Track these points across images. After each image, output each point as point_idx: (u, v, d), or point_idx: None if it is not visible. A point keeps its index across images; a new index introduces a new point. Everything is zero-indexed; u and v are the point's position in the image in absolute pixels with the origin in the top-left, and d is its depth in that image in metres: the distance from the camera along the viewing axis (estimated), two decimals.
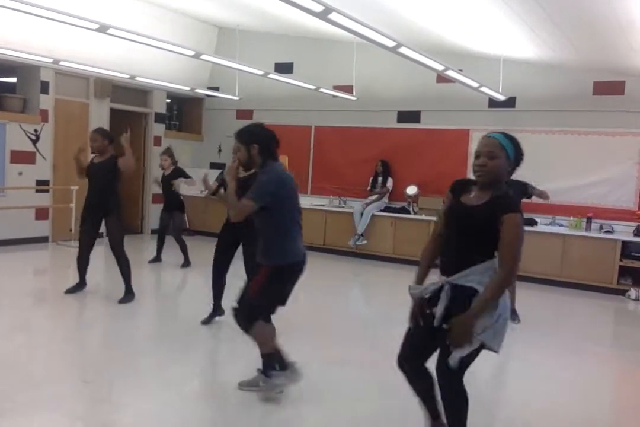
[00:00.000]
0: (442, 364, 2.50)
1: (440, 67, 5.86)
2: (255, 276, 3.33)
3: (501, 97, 7.74)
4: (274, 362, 3.37)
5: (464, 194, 2.63)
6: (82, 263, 5.56)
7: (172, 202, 7.50)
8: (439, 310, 2.50)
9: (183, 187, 7.81)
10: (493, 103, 8.28)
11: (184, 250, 7.49)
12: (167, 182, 7.44)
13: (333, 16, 4.01)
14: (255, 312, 3.31)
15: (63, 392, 3.43)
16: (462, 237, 2.52)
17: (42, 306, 5.60)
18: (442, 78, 7.97)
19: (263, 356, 3.39)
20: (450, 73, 6.11)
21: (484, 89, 7.17)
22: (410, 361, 2.77)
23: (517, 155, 2.53)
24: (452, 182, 2.74)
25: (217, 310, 4.94)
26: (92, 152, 5.60)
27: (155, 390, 3.54)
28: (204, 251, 8.07)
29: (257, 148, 3.30)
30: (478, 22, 6.30)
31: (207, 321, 4.91)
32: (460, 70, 6.56)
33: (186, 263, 7.46)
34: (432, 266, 2.69)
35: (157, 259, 7.57)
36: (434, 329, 2.52)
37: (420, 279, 2.67)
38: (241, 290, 3.41)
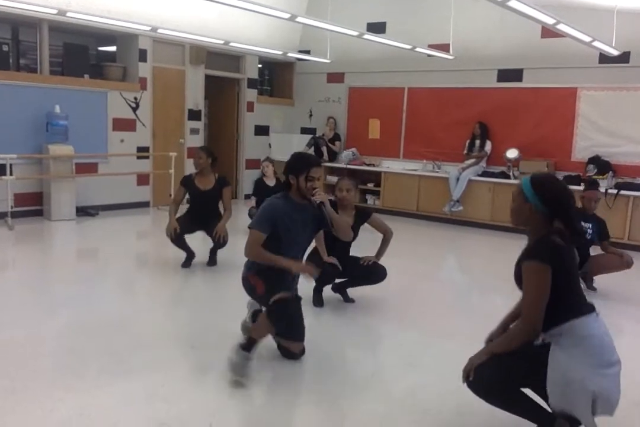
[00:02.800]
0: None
1: (550, 21, 5.42)
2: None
3: (614, 52, 7.12)
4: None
5: None
6: (180, 243, 5.48)
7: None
8: None
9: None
10: (604, 59, 7.65)
11: None
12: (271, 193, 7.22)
13: None
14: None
15: (174, 357, 3.55)
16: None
17: (145, 270, 5.84)
18: (547, 33, 7.44)
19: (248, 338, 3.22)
20: (561, 27, 5.64)
21: (596, 43, 6.61)
22: None
23: (542, 199, 2.41)
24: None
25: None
26: (196, 168, 5.53)
27: (255, 359, 3.58)
28: None
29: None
30: None
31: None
32: (572, 23, 6.06)
33: None
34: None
35: None
36: None
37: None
38: None
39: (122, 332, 3.86)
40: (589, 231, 5.18)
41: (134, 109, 8.60)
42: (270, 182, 7.08)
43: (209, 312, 4.41)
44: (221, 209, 5.61)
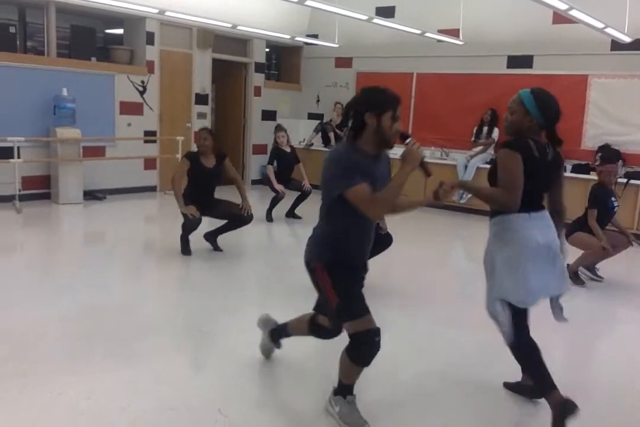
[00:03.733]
0: None
1: (563, 6, 5.34)
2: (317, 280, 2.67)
3: (627, 39, 7.03)
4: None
5: None
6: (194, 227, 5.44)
7: (290, 179, 7.43)
8: None
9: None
10: (616, 46, 7.55)
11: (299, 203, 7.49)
12: (291, 159, 7.38)
13: None
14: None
15: (181, 341, 3.57)
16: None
17: (152, 254, 5.85)
18: (558, 19, 7.35)
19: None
20: (574, 13, 5.56)
21: (608, 30, 6.51)
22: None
23: (542, 112, 2.68)
24: None
25: None
26: (201, 149, 5.44)
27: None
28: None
29: None
30: None
31: None
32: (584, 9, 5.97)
33: (294, 215, 7.51)
34: None
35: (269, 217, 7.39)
36: None
37: None
38: None
39: (129, 316, 3.88)
40: (615, 205, 5.15)
41: (141, 93, 8.57)
42: (286, 149, 7.37)
43: (216, 298, 4.42)
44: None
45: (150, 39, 8.50)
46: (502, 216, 2.75)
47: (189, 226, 5.32)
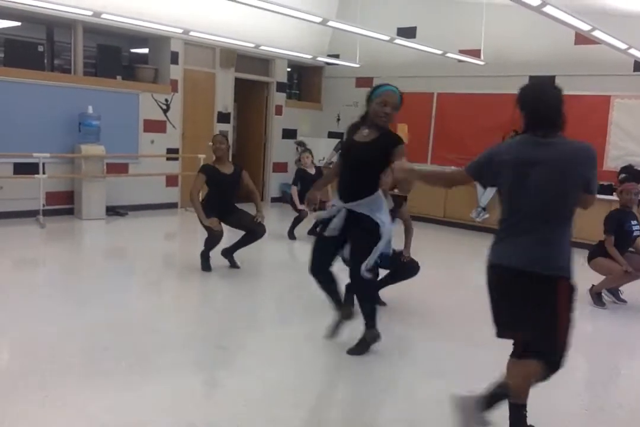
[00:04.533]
0: (353, 272, 3.48)
1: (586, 27, 5.36)
2: (555, 299, 2.34)
3: None
4: None
5: (356, 133, 3.56)
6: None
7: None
8: (334, 224, 3.48)
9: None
10: (639, 67, 7.53)
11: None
12: (311, 179, 7.12)
13: None
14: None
15: (201, 358, 3.57)
16: (355, 171, 3.48)
17: (172, 270, 5.88)
18: (580, 39, 7.36)
19: None
20: (597, 33, 5.57)
21: (631, 51, 6.50)
22: (321, 270, 3.66)
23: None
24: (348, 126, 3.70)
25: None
26: (217, 154, 5.46)
27: (283, 360, 3.58)
28: None
29: None
30: None
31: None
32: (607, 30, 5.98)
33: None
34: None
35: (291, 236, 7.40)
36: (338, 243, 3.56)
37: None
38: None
39: (149, 331, 3.89)
40: (635, 228, 5.01)
41: (165, 111, 8.69)
42: (311, 170, 7.42)
43: (236, 315, 4.41)
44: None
45: (174, 58, 8.65)
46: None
47: (213, 240, 5.34)
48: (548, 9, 4.60)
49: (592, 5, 6.99)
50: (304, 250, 7.16)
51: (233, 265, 5.63)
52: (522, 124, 2.54)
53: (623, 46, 6.23)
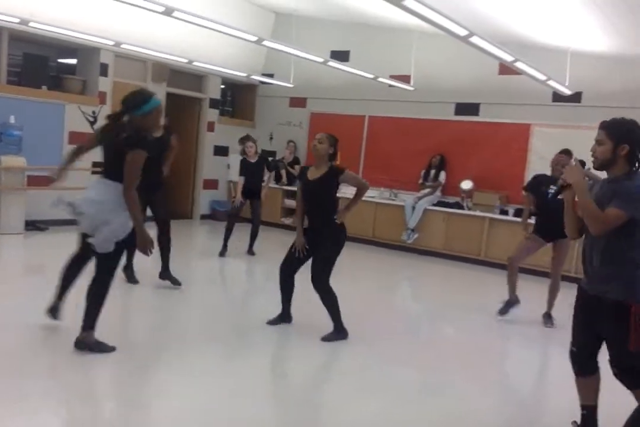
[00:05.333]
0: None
1: (509, 58, 5.64)
2: (625, 323, 2.57)
3: (567, 92, 7.44)
4: None
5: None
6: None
7: (257, 190, 7.36)
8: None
9: (269, 183, 7.81)
10: (557, 97, 7.97)
11: (254, 237, 7.43)
12: (255, 169, 7.29)
13: (408, 3, 3.86)
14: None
15: (121, 374, 3.43)
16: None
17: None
18: (504, 70, 7.72)
19: None
20: (519, 65, 5.87)
21: (550, 82, 6.89)
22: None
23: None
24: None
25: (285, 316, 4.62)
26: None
27: (204, 379, 3.50)
28: (268, 241, 8.12)
29: (627, 149, 2.64)
30: (548, 12, 6.03)
31: (273, 322, 4.59)
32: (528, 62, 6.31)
33: (251, 251, 7.46)
34: None
35: (224, 249, 7.28)
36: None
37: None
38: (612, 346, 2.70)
39: (65, 349, 3.72)
40: (551, 192, 4.95)
41: (92, 123, 8.45)
42: (252, 159, 7.32)
43: (156, 331, 4.29)
44: None
45: (104, 70, 8.45)
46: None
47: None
48: (474, 40, 4.82)
49: (515, 37, 7.37)
50: (231, 267, 7.15)
51: (174, 282, 5.44)
52: (632, 160, 2.66)
53: (543, 77, 6.59)
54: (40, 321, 4.16)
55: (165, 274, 5.46)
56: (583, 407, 2.86)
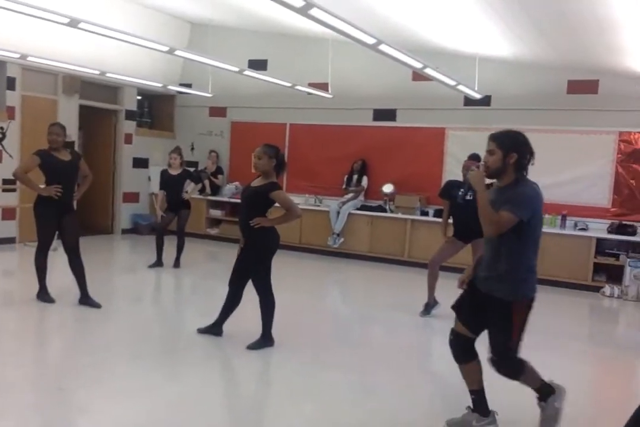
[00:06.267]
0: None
1: (418, 65, 5.83)
2: (504, 321, 2.91)
3: (477, 96, 7.76)
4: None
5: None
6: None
7: (180, 202, 7.25)
8: None
9: (193, 193, 7.72)
10: (469, 101, 8.30)
11: (180, 249, 7.33)
12: (176, 182, 7.21)
13: (314, 12, 3.93)
14: (517, 362, 3.01)
15: (35, 400, 3.29)
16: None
17: (10, 310, 5.41)
18: (417, 76, 7.96)
19: (536, 389, 3.14)
20: (428, 71, 6.08)
21: (460, 87, 7.16)
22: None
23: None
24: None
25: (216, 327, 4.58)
26: (52, 146, 5.20)
27: (134, 397, 3.42)
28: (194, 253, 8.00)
29: (515, 158, 2.86)
30: (454, 20, 6.29)
31: (203, 331, 4.59)
32: (437, 68, 6.54)
33: (177, 264, 7.33)
34: None
35: (158, 263, 7.22)
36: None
37: None
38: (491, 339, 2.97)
39: None
40: (460, 195, 5.03)
41: (0, 140, 8.08)
42: (175, 171, 7.23)
43: (80, 351, 4.15)
44: None
45: (11, 84, 8.11)
46: None
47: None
48: (383, 47, 4.94)
49: (426, 45, 7.63)
50: (156, 281, 7.00)
51: (93, 305, 5.24)
52: (519, 167, 2.89)
53: (452, 82, 6.84)
54: None
55: (84, 300, 5.28)
56: (471, 392, 3.11)
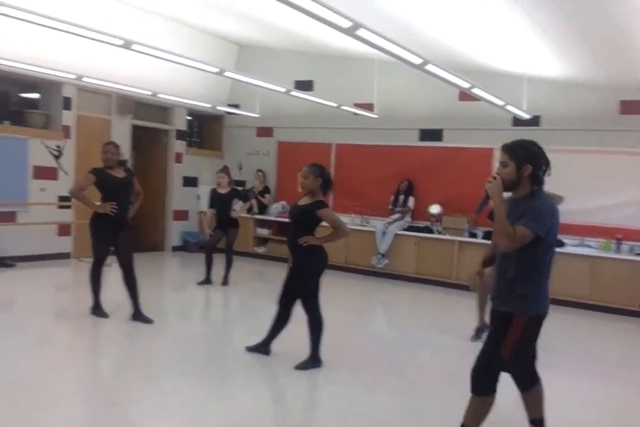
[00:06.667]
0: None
1: (466, 85, 5.79)
2: (497, 332, 2.83)
3: (526, 116, 7.66)
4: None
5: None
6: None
7: (228, 220, 7.37)
8: None
9: (241, 212, 7.83)
10: (517, 122, 8.19)
11: (229, 267, 7.43)
12: (224, 200, 7.33)
13: (361, 32, 3.97)
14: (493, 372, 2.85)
15: (89, 415, 3.35)
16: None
17: (63, 324, 5.54)
18: (464, 96, 7.91)
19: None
20: (476, 91, 6.04)
21: (508, 107, 7.08)
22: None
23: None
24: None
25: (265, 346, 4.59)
26: (107, 164, 5.35)
27: (179, 414, 3.44)
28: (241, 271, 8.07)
29: (530, 170, 2.78)
30: (503, 40, 6.24)
31: (252, 349, 4.61)
32: (485, 88, 6.49)
33: (225, 281, 7.41)
34: None
35: (207, 280, 7.33)
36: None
37: None
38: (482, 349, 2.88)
39: (34, 388, 3.62)
40: None
41: (56, 157, 8.40)
42: (223, 190, 7.37)
43: (132, 366, 4.21)
44: None
45: (67, 104, 8.44)
46: None
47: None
48: (430, 67, 4.94)
49: (474, 65, 7.59)
50: (204, 298, 7.07)
51: (146, 321, 5.34)
52: (535, 179, 2.80)
53: (500, 102, 6.78)
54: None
55: (137, 315, 5.38)
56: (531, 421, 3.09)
